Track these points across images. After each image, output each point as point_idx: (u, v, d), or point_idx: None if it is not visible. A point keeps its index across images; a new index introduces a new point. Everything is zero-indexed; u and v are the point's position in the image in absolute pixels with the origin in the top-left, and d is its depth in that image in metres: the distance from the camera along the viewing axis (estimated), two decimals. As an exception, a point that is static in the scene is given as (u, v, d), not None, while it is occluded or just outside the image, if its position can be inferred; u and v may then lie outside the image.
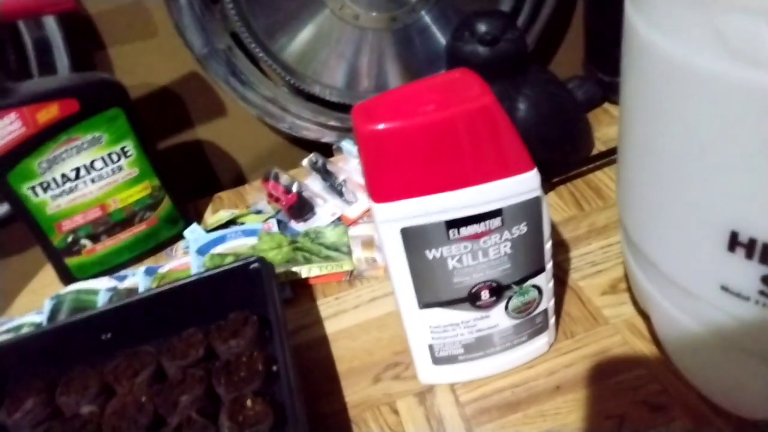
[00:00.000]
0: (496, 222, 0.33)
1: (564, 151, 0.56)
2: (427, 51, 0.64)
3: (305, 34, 0.63)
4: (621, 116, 0.33)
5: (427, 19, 0.63)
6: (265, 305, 0.43)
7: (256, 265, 0.45)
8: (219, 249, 0.57)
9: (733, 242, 0.25)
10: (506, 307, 0.37)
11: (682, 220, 0.28)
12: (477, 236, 0.34)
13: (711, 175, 0.25)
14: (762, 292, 0.26)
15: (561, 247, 0.50)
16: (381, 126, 0.30)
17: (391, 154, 0.31)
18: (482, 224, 0.33)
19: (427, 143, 0.31)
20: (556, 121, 0.54)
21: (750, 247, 0.25)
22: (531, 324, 0.39)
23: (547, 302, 0.39)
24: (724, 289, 0.27)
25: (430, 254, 0.34)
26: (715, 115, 0.24)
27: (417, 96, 0.32)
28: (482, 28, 0.49)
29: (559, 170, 0.57)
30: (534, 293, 0.38)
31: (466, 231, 0.33)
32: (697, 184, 0.26)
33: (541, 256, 0.36)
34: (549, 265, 0.38)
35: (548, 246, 0.37)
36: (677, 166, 0.27)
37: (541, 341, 0.40)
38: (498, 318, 0.38)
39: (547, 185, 0.56)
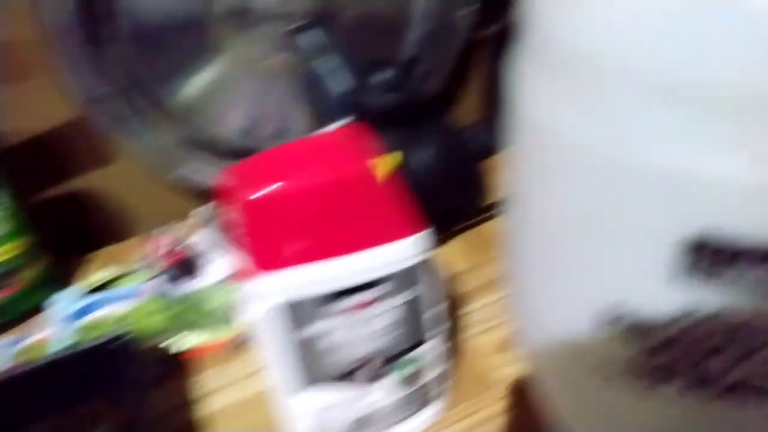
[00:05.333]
0: (381, 290, 0.32)
1: (458, 201, 0.56)
2: (330, 98, 0.63)
3: (200, 80, 0.60)
4: (506, 178, 0.32)
5: (328, 66, 0.62)
6: (131, 388, 0.38)
7: (120, 341, 0.40)
8: (91, 317, 0.52)
9: (609, 318, 0.25)
10: (392, 380, 0.35)
11: (556, 295, 0.27)
12: (361, 306, 0.32)
13: (585, 251, 0.25)
14: (636, 369, 0.25)
15: (458, 302, 0.49)
16: (254, 192, 0.28)
17: (264, 221, 0.29)
18: (366, 293, 0.31)
19: (305, 209, 0.29)
20: (451, 171, 0.54)
21: (625, 323, 0.24)
22: (419, 395, 0.37)
23: (436, 370, 0.37)
24: (600, 365, 0.27)
25: (308, 330, 0.32)
26: (588, 189, 0.23)
27: (295, 158, 0.30)
28: (379, 76, 0.49)
29: (453, 221, 0.56)
30: (421, 362, 0.36)
31: (347, 302, 0.31)
32: (570, 258, 0.26)
33: (428, 322, 0.35)
34: (438, 331, 0.36)
35: (437, 310, 0.35)
36: (552, 239, 0.26)
37: (430, 412, 0.39)
38: (384, 392, 0.35)
39: (442, 237, 0.56)
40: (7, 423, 0.37)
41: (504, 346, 0.44)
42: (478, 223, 0.57)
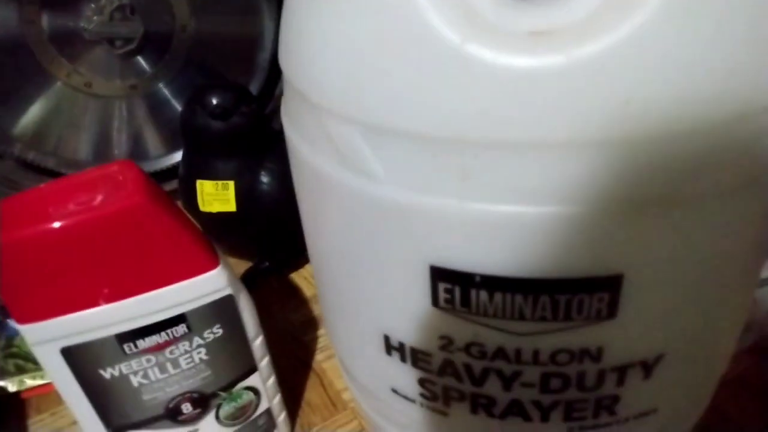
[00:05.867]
0: (180, 329, 0.30)
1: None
2: (175, 120, 0.60)
3: (36, 108, 0.56)
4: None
5: (168, 90, 0.60)
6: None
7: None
8: None
9: (388, 346, 0.24)
10: (217, 417, 0.33)
11: (346, 320, 0.27)
12: (160, 347, 0.30)
13: (356, 279, 0.24)
14: (422, 395, 0.25)
15: (309, 326, 0.48)
16: (9, 234, 0.25)
17: (29, 265, 0.26)
18: (163, 333, 0.29)
19: (70, 249, 0.26)
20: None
21: (401, 350, 0.24)
22: (253, 427, 0.36)
23: (270, 400, 0.36)
24: (395, 391, 0.26)
25: (107, 373, 0.29)
26: (344, 222, 0.23)
27: (62, 195, 0.27)
28: (213, 100, 0.47)
29: (303, 249, 0.55)
30: (249, 395, 0.34)
31: (144, 343, 0.29)
32: (347, 286, 0.25)
33: (249, 355, 0.33)
34: (264, 362, 0.35)
35: (258, 342, 0.34)
36: (331, 267, 0.26)
37: (272, 442, 0.37)
38: (210, 429, 0.34)
39: (291, 264, 0.54)
40: None
41: (355, 365, 0.43)
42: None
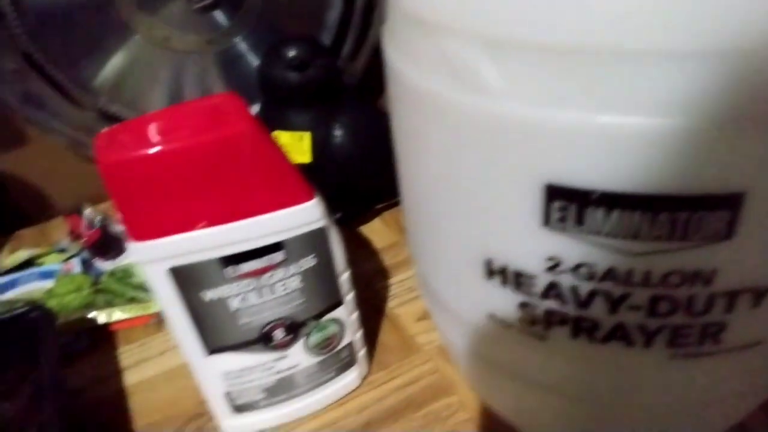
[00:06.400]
0: (278, 256, 0.31)
1: (385, 177, 0.56)
2: (249, 76, 0.62)
3: (115, 60, 0.58)
4: (393, 142, 0.32)
5: (244, 45, 0.61)
6: (47, 361, 0.37)
7: (32, 314, 0.39)
8: (10, 294, 0.50)
9: (489, 271, 0.25)
10: (306, 345, 0.35)
11: (444, 248, 0.27)
12: (259, 272, 0.31)
13: (459, 204, 0.25)
14: (522, 320, 0.25)
15: (381, 275, 0.49)
16: (124, 156, 0.27)
17: (141, 186, 0.27)
18: (262, 259, 0.31)
19: (181, 172, 0.27)
20: (375, 147, 0.53)
21: (503, 274, 0.25)
22: (336, 360, 0.37)
23: (352, 335, 0.37)
24: (491, 317, 0.27)
25: (208, 295, 0.31)
26: (453, 145, 0.23)
27: (170, 121, 0.29)
28: (290, 53, 0.48)
29: (382, 196, 0.56)
30: (334, 327, 0.36)
31: (245, 267, 0.31)
32: (448, 212, 0.25)
33: (336, 288, 0.34)
34: (349, 297, 0.36)
35: (345, 277, 0.35)
36: (433, 194, 0.26)
37: (351, 376, 0.38)
38: (298, 357, 0.35)
39: (365, 215, 0.55)
40: None
41: (427, 313, 0.44)
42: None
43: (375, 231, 0.54)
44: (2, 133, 0.59)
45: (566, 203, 0.21)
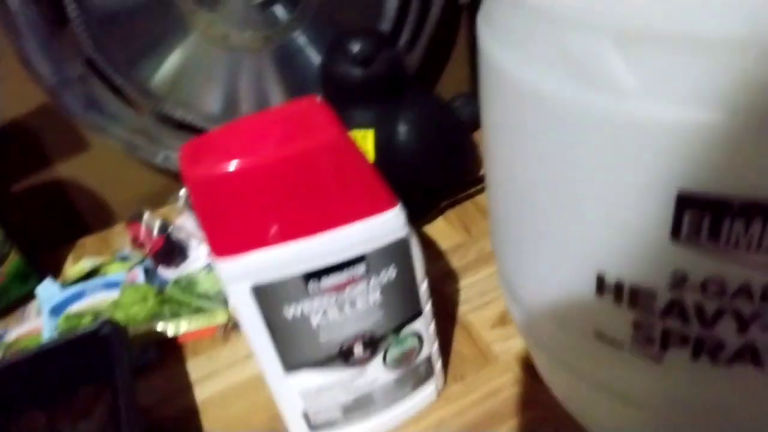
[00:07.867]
0: (360, 269, 0.30)
1: (450, 173, 0.54)
2: (307, 72, 0.60)
3: (172, 60, 0.58)
4: (482, 140, 0.30)
5: (303, 39, 0.60)
6: (121, 375, 0.37)
7: (104, 330, 0.39)
8: (76, 307, 0.50)
9: (600, 285, 0.23)
10: (384, 360, 0.34)
11: (546, 259, 0.25)
12: (341, 287, 0.30)
13: (569, 211, 0.23)
14: (635, 339, 0.24)
15: (449, 278, 0.47)
16: (211, 169, 0.26)
17: (227, 200, 0.26)
18: (345, 273, 0.29)
19: (267, 186, 0.26)
20: (439, 142, 0.51)
21: (618, 290, 0.23)
22: (414, 374, 0.35)
23: (430, 347, 0.36)
24: (599, 335, 0.25)
25: (290, 312, 0.30)
26: (567, 147, 0.21)
27: (253, 132, 0.27)
28: (355, 48, 0.46)
29: (446, 194, 0.54)
30: (413, 341, 0.34)
31: (327, 282, 0.29)
32: (557, 219, 0.24)
33: (416, 298, 0.33)
34: (428, 307, 0.34)
35: (424, 287, 0.33)
36: (537, 199, 0.24)
37: (428, 390, 0.37)
38: (376, 373, 0.34)
39: (433, 212, 0.54)
40: (6, 409, 0.37)
41: (502, 319, 0.42)
42: (470, 196, 0.55)
43: (439, 231, 0.52)
44: (64, 140, 0.59)
45: (700, 213, 0.19)
